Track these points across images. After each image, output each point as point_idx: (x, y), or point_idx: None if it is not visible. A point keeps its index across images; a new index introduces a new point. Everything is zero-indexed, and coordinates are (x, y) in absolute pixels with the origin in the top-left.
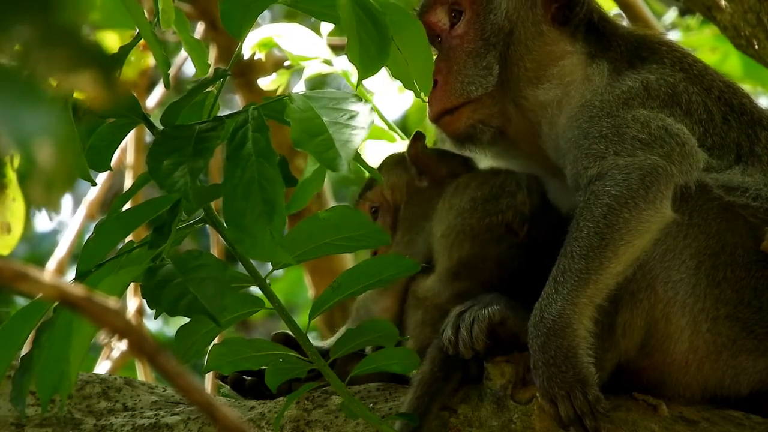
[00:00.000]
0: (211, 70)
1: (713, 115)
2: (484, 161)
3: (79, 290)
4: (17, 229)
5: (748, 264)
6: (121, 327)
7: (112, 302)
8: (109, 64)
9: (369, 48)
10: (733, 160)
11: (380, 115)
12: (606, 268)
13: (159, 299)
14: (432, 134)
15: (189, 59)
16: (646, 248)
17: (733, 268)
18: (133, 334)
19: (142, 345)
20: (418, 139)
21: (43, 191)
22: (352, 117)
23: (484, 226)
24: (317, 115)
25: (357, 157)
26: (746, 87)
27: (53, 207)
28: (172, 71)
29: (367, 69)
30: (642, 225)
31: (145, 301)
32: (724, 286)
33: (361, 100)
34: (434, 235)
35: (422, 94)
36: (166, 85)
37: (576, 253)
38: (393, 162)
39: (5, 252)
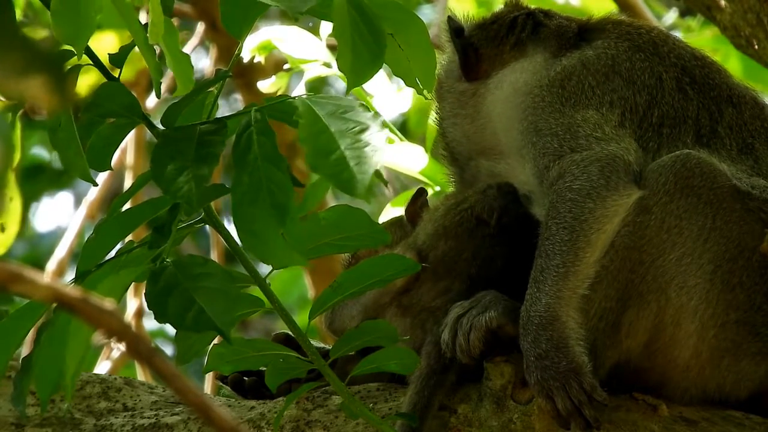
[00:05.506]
0: (211, 70)
1: (663, 81)
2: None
3: (74, 292)
4: (12, 229)
5: (763, 268)
6: (117, 329)
7: (107, 304)
8: (60, 69)
9: (362, 55)
10: (693, 139)
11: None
12: (582, 258)
13: (165, 309)
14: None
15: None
16: (617, 230)
17: (748, 272)
18: (129, 335)
19: (137, 347)
20: (419, 195)
21: None
22: (362, 130)
23: (455, 221)
24: (326, 126)
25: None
26: None
27: None
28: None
29: (357, 77)
30: (609, 210)
31: (147, 306)
32: (738, 290)
33: (368, 110)
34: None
35: (425, 92)
36: (158, 95)
37: (550, 251)
38: (387, 225)
39: (1, 251)
